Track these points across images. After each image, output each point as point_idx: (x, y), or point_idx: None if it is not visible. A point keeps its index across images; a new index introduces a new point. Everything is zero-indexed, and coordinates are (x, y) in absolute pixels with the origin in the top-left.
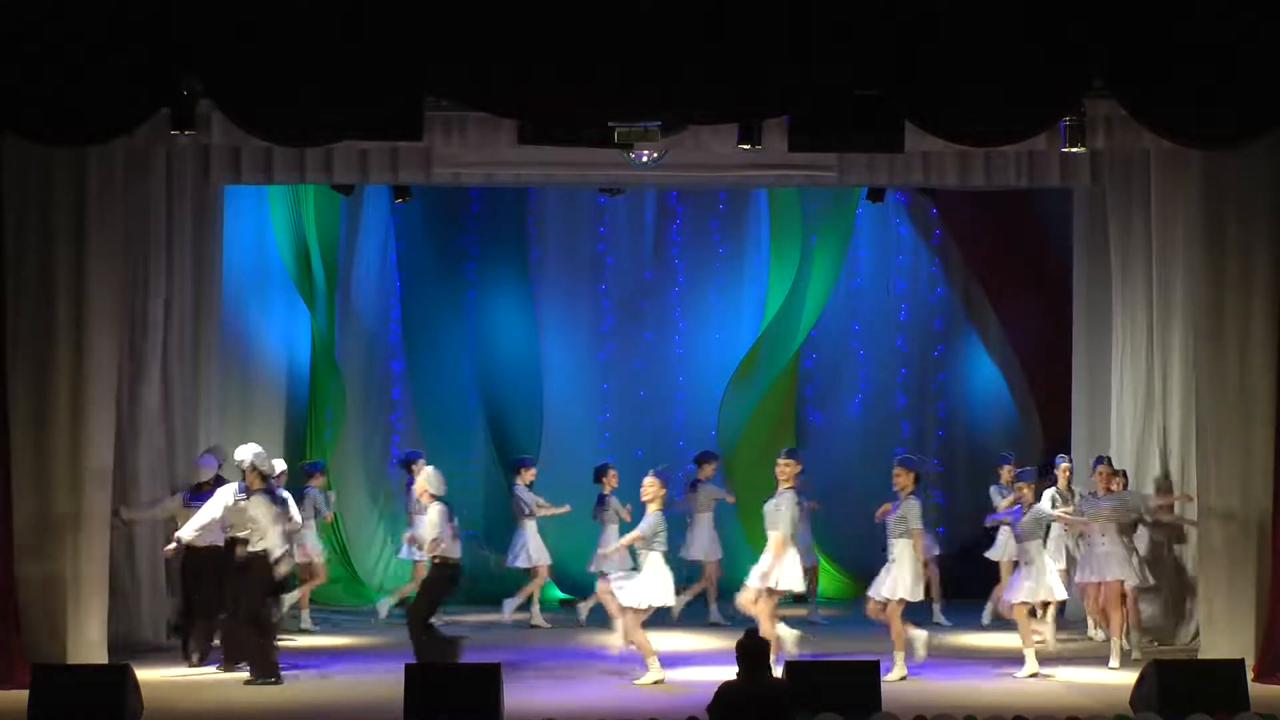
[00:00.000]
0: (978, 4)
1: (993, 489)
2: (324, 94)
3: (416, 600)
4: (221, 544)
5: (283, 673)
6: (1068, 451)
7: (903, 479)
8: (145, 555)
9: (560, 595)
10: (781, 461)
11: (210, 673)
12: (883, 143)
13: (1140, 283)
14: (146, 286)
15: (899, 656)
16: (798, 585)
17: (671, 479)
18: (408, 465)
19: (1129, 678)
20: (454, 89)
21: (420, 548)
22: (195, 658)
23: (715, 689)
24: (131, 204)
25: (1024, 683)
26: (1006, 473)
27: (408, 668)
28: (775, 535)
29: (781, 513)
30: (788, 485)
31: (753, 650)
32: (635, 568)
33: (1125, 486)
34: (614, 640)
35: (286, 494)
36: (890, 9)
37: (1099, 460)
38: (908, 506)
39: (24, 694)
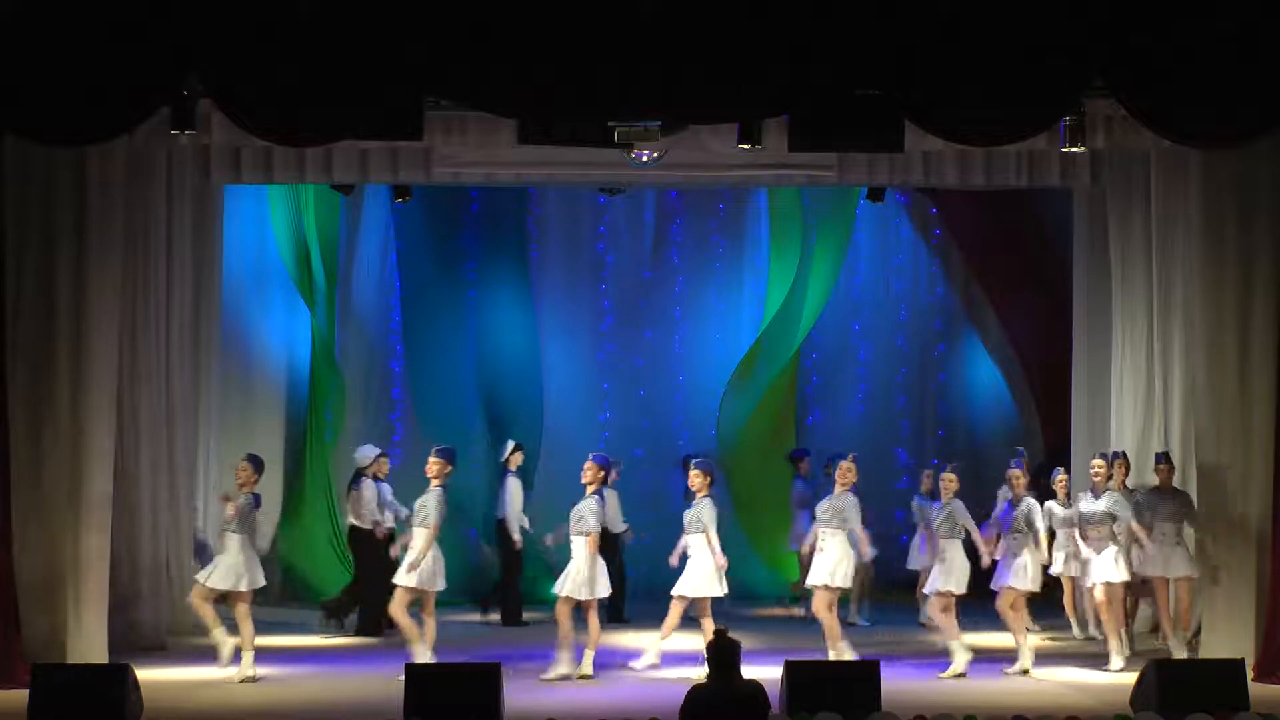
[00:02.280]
0: (978, 4)
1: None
2: (324, 94)
3: None
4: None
5: (282, 671)
6: (1066, 461)
7: (955, 484)
8: (146, 555)
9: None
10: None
11: (210, 673)
12: (883, 143)
13: (1140, 283)
14: (146, 286)
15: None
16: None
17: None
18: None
19: (1129, 678)
20: (454, 89)
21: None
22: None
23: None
24: (131, 204)
25: (1024, 682)
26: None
27: (408, 667)
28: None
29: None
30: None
31: (722, 651)
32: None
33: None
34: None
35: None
36: (890, 9)
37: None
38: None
39: (24, 694)
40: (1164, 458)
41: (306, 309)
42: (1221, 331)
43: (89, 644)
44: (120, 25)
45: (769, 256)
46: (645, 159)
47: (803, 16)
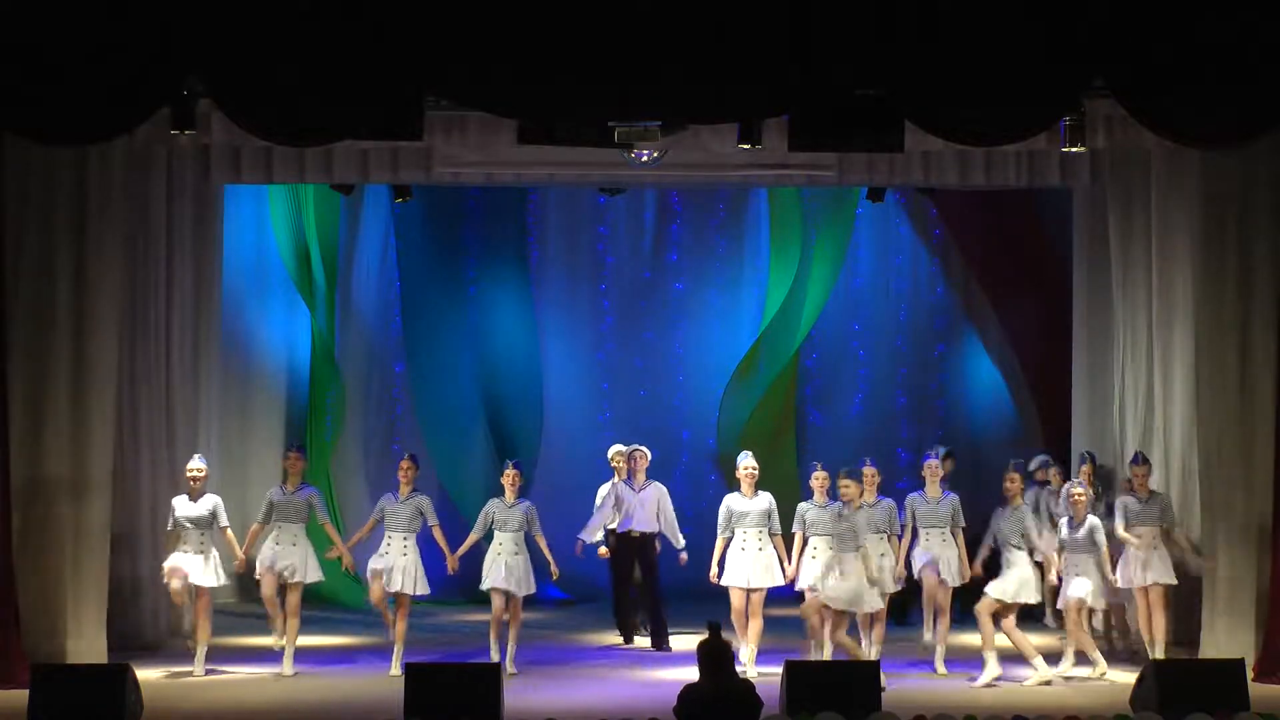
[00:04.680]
0: (978, 4)
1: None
2: (324, 94)
3: None
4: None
5: (280, 671)
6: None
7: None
8: (146, 554)
9: (561, 595)
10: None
11: (210, 673)
12: (883, 143)
13: (1140, 283)
14: (146, 286)
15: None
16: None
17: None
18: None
19: (1129, 678)
20: (454, 89)
21: None
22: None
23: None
24: (131, 204)
25: (1024, 683)
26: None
27: (408, 667)
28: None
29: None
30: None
31: (713, 651)
32: None
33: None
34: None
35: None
36: (890, 9)
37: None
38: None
39: (24, 694)
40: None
41: (306, 309)
42: (1221, 331)
43: (89, 644)
44: (120, 25)
45: (769, 256)
46: (645, 159)
47: (803, 16)
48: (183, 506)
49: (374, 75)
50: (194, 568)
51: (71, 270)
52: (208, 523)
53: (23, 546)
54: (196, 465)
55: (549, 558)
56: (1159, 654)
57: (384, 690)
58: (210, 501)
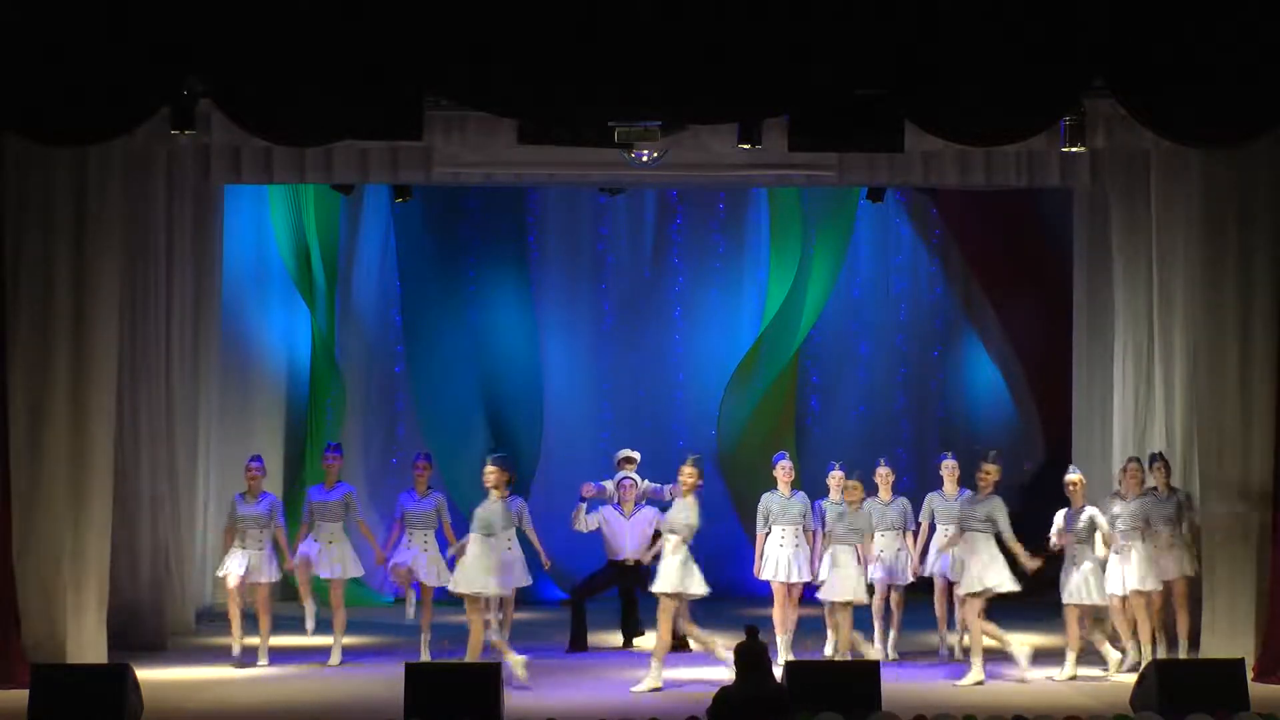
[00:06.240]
0: (978, 4)
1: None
2: (324, 94)
3: None
4: None
5: (282, 671)
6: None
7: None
8: (146, 555)
9: (561, 595)
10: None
11: (210, 673)
12: (883, 143)
13: (1140, 282)
14: (146, 286)
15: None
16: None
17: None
18: None
19: (1129, 678)
20: (454, 89)
21: None
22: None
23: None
24: (131, 204)
25: (1024, 682)
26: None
27: (408, 667)
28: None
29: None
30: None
31: (751, 654)
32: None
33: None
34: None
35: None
36: (890, 9)
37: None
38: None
39: (24, 694)
40: (1157, 457)
41: (306, 309)
42: (1221, 331)
43: (89, 644)
44: (120, 25)
45: (769, 256)
46: (645, 159)
47: (803, 16)
48: (243, 505)
49: (374, 75)
50: (260, 569)
51: (71, 270)
52: (266, 521)
53: (23, 546)
54: (255, 465)
55: (539, 547)
56: (1155, 654)
57: (384, 690)
58: (269, 500)
